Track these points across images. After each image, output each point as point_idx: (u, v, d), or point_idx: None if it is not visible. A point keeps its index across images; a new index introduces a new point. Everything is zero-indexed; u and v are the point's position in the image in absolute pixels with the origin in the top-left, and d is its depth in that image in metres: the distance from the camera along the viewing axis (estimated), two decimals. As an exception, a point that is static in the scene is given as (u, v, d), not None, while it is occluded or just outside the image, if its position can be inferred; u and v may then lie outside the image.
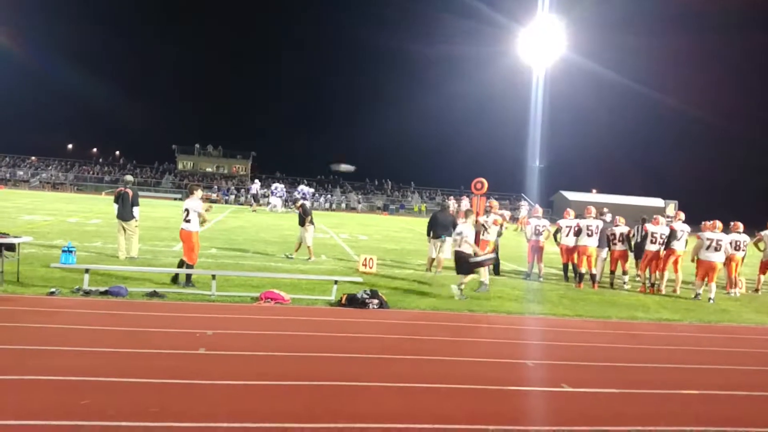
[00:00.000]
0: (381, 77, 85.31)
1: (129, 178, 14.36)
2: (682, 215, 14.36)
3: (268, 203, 41.25)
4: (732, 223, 14.06)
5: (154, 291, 9.38)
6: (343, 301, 9.53)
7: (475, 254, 11.06)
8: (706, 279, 12.96)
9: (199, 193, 11.03)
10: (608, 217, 14.33)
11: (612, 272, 13.90)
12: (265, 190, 47.95)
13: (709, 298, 12.73)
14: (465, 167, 63.99)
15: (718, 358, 7.97)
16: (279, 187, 42.37)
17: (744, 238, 13.92)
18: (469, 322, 9.16)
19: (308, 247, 14.89)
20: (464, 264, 10.94)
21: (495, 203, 13.84)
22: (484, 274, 11.70)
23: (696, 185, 62.35)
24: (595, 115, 66.73)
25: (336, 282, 10.12)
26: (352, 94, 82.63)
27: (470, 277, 11.10)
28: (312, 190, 48.45)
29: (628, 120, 69.18)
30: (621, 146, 70.36)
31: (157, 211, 30.85)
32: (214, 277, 9.83)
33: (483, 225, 13.30)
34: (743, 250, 13.97)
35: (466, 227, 11.17)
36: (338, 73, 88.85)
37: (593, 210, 14.08)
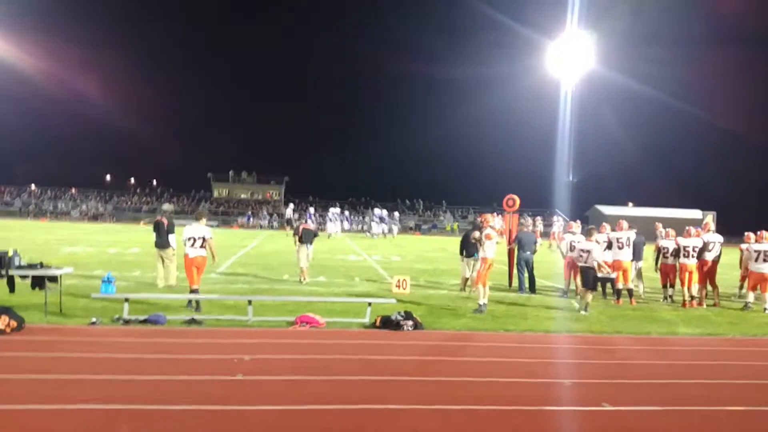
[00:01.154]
0: (408, 97, 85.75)
1: (167, 206, 14.75)
2: (712, 225, 14.03)
3: (326, 231, 40.64)
4: None
5: (192, 318, 9.52)
6: (378, 323, 9.53)
7: (600, 269, 11.86)
8: (758, 289, 12.78)
9: (204, 220, 11.54)
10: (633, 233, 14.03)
11: (664, 286, 13.68)
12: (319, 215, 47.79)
13: (765, 308, 12.51)
14: (496, 184, 63.69)
15: (762, 372, 7.71)
16: (335, 211, 42.36)
17: None
18: (504, 341, 9.06)
19: (305, 268, 14.99)
20: (590, 279, 11.81)
21: (488, 217, 12.85)
22: (484, 294, 11.38)
23: (733, 196, 60.80)
24: (626, 128, 65.88)
25: (370, 304, 10.13)
26: (379, 115, 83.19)
27: (591, 294, 11.97)
28: (383, 211, 47.81)
29: (660, 132, 68.20)
30: (654, 159, 69.24)
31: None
32: (250, 302, 9.95)
33: (478, 241, 12.33)
34: None
35: (593, 245, 11.96)
36: (365, 97, 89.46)
37: (625, 223, 13.84)
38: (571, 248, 14.10)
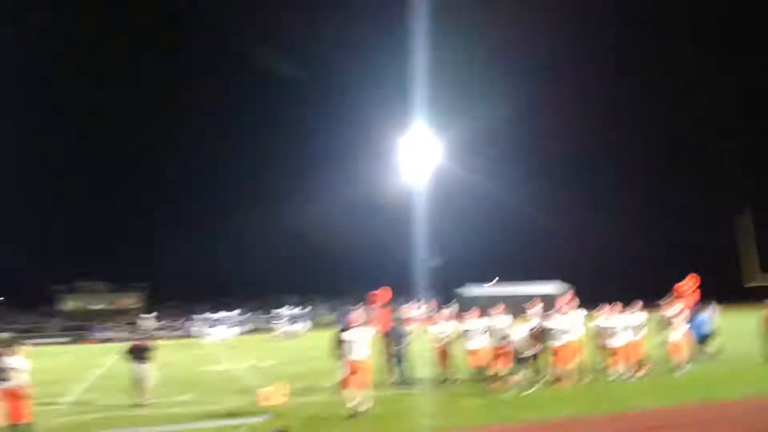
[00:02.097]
0: (250, 183, 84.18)
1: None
2: (573, 303, 14.93)
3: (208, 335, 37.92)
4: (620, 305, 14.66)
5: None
6: (251, 446, 8.87)
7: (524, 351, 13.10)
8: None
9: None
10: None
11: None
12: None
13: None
14: (361, 273, 64.06)
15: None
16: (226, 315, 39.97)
17: (642, 317, 14.51)
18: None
19: (147, 388, 13.67)
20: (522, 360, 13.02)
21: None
22: (357, 396, 11.01)
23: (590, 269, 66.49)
24: (477, 214, 70.57)
25: (241, 425, 9.44)
26: (230, 206, 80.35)
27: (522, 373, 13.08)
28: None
29: (505, 218, 73.62)
30: (507, 239, 74.19)
31: (41, 361, 28.21)
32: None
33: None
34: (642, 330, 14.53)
35: (515, 331, 13.20)
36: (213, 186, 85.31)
37: (502, 308, 14.27)
38: (441, 338, 14.31)
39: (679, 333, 14.30)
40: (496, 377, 13.56)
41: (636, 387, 12.88)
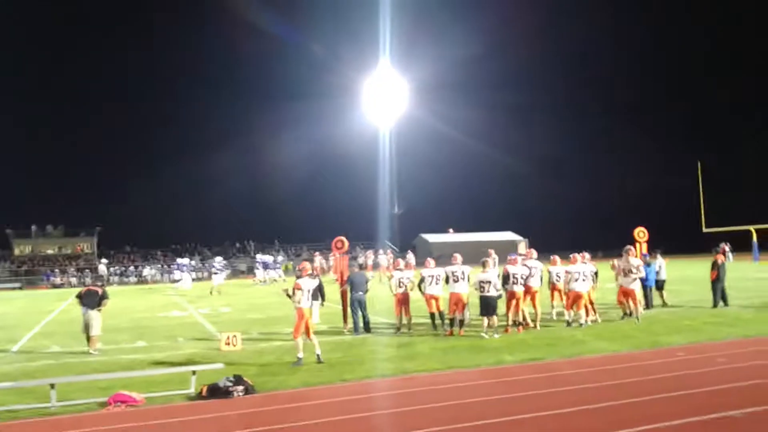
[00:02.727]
0: (223, 130, 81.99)
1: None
2: (534, 253, 15.10)
3: (174, 281, 37.74)
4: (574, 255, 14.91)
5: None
6: (204, 392, 8.72)
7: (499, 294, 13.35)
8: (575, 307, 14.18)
9: None
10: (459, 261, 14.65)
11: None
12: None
13: (581, 324, 13.94)
14: (324, 219, 63.72)
15: (586, 396, 8.16)
16: (184, 262, 39.18)
17: (592, 267, 14.77)
18: (342, 395, 8.75)
19: (95, 336, 13.23)
20: (491, 306, 13.06)
21: (306, 265, 12.10)
22: (299, 348, 10.90)
23: (543, 221, 67.76)
24: (441, 163, 70.65)
25: (194, 372, 9.26)
26: (195, 151, 78.20)
27: (494, 318, 13.17)
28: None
29: (469, 166, 74.01)
30: (467, 187, 74.80)
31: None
32: (53, 386, 8.62)
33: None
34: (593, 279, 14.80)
35: (492, 276, 13.29)
36: (177, 131, 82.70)
37: (459, 257, 14.32)
38: (400, 284, 14.34)
39: (631, 281, 14.54)
40: (453, 323, 13.72)
41: (590, 333, 13.18)
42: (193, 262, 44.99)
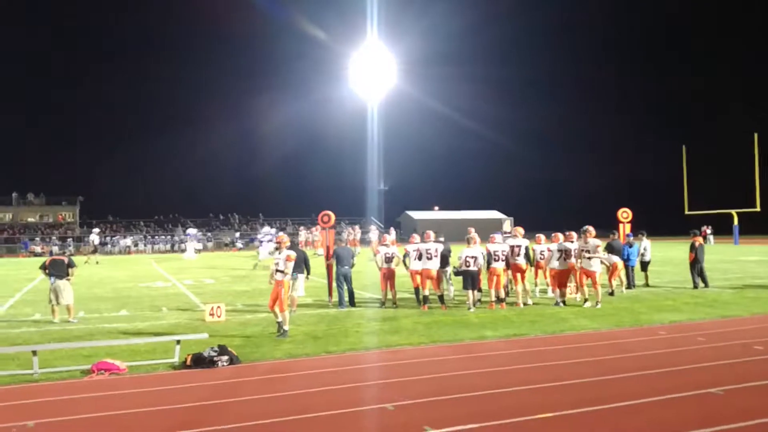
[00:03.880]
0: (212, 104, 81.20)
1: None
2: (521, 230, 15.16)
3: (184, 250, 37.61)
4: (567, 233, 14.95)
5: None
6: (188, 362, 8.72)
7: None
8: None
9: None
10: (442, 239, 14.76)
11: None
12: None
13: (560, 302, 14.17)
14: (311, 194, 63.73)
15: (564, 372, 8.26)
16: (193, 231, 39.13)
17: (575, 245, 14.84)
18: (326, 366, 8.78)
19: (70, 305, 13.17)
20: (472, 280, 13.50)
21: (284, 237, 11.81)
22: (286, 319, 10.95)
23: (525, 199, 68.20)
24: (428, 139, 70.65)
25: (178, 342, 9.25)
26: (178, 122, 77.56)
27: (475, 292, 13.70)
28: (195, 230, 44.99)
29: (456, 142, 74.15)
30: (454, 166, 75.01)
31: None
32: (35, 353, 8.57)
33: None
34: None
35: (477, 252, 13.73)
36: (162, 102, 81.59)
37: (432, 234, 14.41)
38: (387, 260, 14.37)
39: (590, 263, 14.42)
40: (426, 300, 13.84)
41: (572, 311, 13.33)
42: (199, 233, 44.86)
